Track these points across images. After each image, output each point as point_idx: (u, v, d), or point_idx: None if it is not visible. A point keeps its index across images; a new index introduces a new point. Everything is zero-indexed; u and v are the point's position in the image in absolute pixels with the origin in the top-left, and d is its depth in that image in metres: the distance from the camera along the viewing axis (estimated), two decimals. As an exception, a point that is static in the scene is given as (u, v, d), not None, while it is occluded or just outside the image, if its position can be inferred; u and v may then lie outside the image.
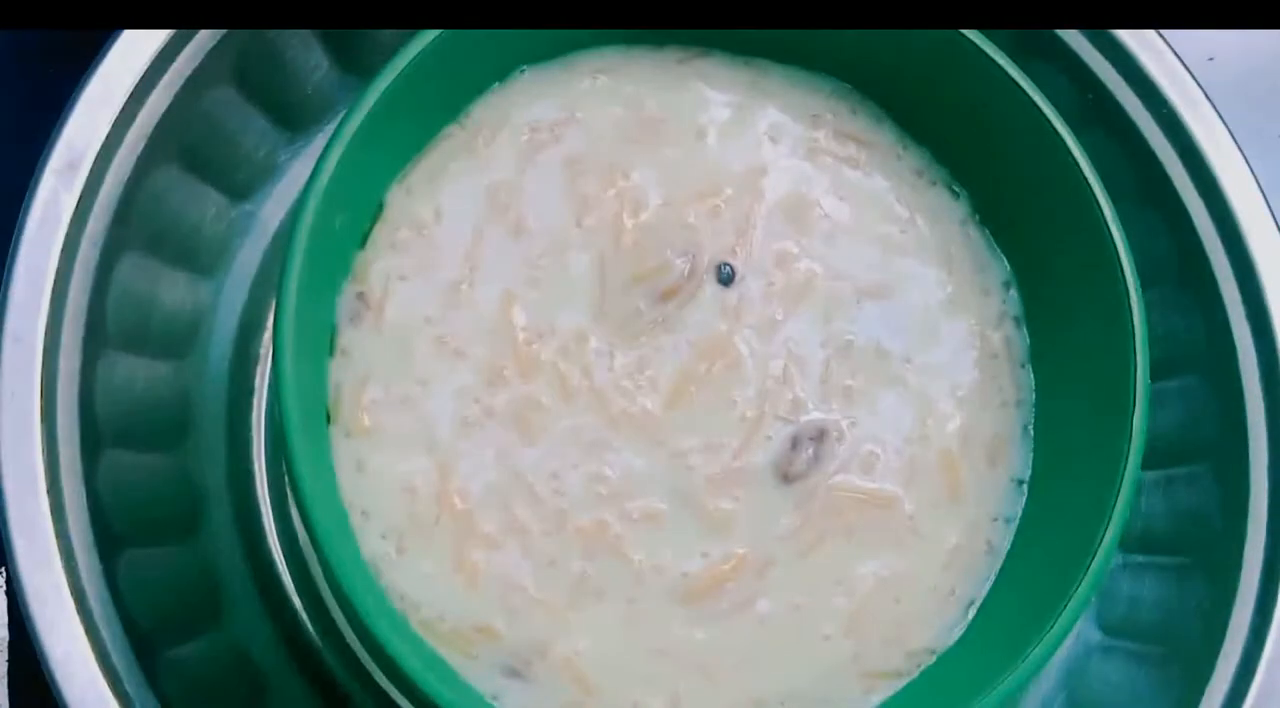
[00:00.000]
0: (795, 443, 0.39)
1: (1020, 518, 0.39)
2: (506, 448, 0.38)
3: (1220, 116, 0.43)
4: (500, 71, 0.40)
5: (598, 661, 0.37)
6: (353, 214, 0.38)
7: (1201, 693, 0.40)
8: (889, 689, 0.38)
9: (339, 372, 0.38)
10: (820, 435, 0.39)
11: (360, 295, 0.38)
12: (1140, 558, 0.44)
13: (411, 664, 0.33)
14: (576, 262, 0.39)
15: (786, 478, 0.38)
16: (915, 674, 0.38)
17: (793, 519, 0.38)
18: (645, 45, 0.41)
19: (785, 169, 0.41)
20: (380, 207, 0.39)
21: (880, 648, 0.38)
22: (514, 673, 0.37)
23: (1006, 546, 0.39)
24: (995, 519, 0.39)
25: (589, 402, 0.38)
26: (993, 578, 0.39)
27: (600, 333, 0.39)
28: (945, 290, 0.41)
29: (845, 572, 0.38)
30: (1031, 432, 0.40)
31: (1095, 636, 0.44)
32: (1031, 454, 0.40)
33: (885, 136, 0.42)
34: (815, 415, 0.39)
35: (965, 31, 0.38)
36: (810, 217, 0.41)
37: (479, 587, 0.37)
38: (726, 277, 0.39)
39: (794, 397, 0.39)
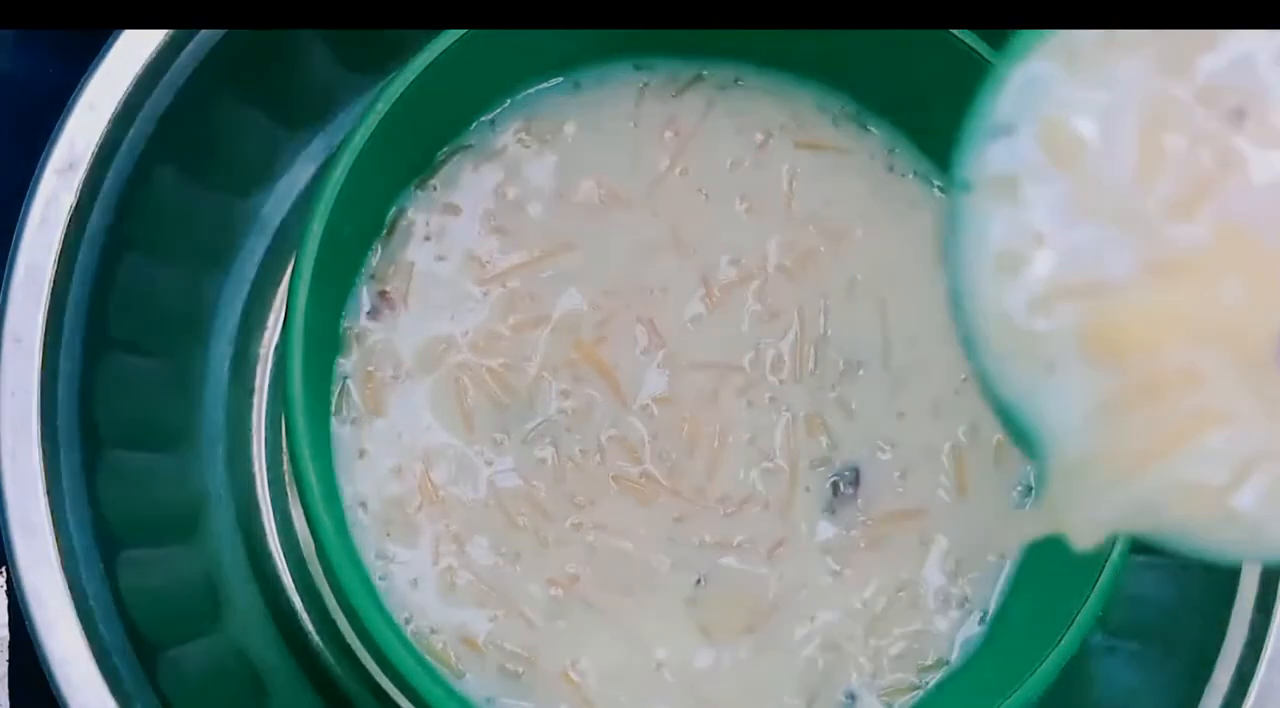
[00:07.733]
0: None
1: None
2: (521, 462, 0.38)
3: (1221, 116, 0.43)
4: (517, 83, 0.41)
5: (600, 675, 0.37)
6: (368, 213, 0.38)
7: (1201, 693, 0.40)
8: (904, 704, 0.38)
9: (345, 369, 0.38)
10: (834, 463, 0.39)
11: (379, 294, 0.38)
12: (1140, 557, 0.43)
13: (409, 666, 0.34)
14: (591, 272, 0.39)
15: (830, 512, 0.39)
16: (929, 687, 0.38)
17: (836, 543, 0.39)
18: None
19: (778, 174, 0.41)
20: (395, 205, 0.39)
21: (894, 661, 0.38)
22: (514, 676, 0.37)
23: (1017, 557, 0.39)
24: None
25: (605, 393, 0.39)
26: (1005, 589, 0.39)
27: None
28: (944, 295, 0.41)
29: (861, 588, 0.38)
30: None
31: (1095, 636, 0.44)
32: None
33: (877, 139, 0.42)
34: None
35: (956, 32, 0.38)
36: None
37: (482, 598, 0.37)
38: None
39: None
